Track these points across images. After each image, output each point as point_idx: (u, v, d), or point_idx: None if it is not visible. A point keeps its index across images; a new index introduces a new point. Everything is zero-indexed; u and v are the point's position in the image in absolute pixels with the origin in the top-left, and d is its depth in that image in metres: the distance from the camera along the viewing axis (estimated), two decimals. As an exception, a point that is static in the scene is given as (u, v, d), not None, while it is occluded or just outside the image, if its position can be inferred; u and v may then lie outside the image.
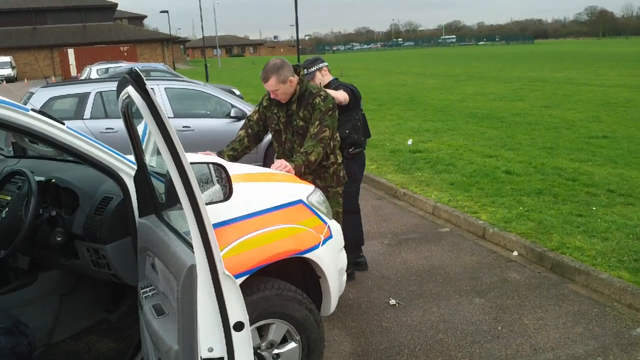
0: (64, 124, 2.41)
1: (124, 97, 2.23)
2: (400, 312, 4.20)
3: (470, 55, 62.42)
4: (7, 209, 2.94)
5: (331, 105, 3.92)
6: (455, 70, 34.92)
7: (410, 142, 10.30)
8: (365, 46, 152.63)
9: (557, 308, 4.16)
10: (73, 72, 43.03)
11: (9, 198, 3.05)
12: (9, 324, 2.62)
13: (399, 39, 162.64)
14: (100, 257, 2.75)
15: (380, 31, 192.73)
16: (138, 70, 1.84)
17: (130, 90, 1.87)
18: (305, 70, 4.63)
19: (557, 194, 6.56)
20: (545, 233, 5.35)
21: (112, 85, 8.08)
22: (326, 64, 4.86)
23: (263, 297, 2.73)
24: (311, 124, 3.90)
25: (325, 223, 3.22)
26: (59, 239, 2.80)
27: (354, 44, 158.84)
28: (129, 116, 2.51)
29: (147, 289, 2.46)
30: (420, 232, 5.98)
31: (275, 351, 2.90)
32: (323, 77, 4.75)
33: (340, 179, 4.24)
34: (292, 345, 2.92)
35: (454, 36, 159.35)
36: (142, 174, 2.54)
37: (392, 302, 4.34)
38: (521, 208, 6.11)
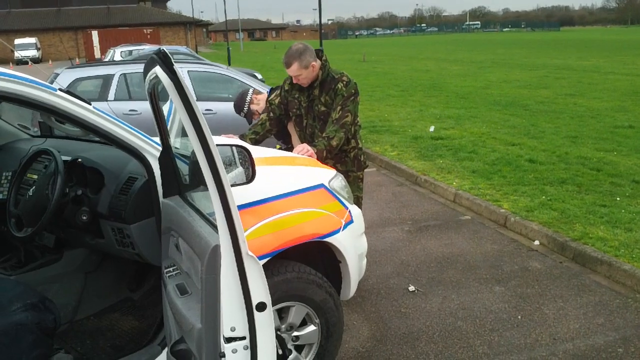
0: (90, 104, 2.44)
1: (151, 78, 2.24)
2: (419, 298, 4.20)
3: (494, 41, 61.58)
4: (34, 188, 2.98)
5: (353, 91, 3.91)
6: (479, 56, 34.51)
7: (432, 128, 10.23)
8: (388, 31, 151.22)
9: (578, 298, 4.13)
10: (97, 54, 43.38)
11: (35, 177, 3.10)
12: (35, 299, 2.66)
13: (422, 25, 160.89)
14: (124, 236, 2.79)
15: (404, 16, 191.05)
16: (166, 50, 1.85)
17: (157, 70, 1.88)
18: None
19: (581, 184, 6.48)
20: (568, 223, 5.30)
21: (136, 68, 8.15)
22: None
23: (283, 280, 2.75)
24: (333, 109, 3.90)
25: (346, 208, 3.23)
26: (84, 218, 2.84)
27: (377, 29, 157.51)
28: (155, 97, 2.52)
29: (171, 269, 2.49)
30: (441, 220, 5.96)
31: (295, 333, 2.92)
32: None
33: (361, 164, 4.23)
34: (311, 328, 2.95)
35: (479, 22, 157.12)
36: (167, 155, 2.56)
37: (412, 288, 4.35)
38: (544, 197, 6.06)
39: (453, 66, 27.07)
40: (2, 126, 3.97)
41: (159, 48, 1.90)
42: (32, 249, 3.41)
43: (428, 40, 80.00)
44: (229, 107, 8.02)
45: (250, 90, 4.68)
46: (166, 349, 2.71)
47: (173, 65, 1.80)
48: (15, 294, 2.69)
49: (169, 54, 1.84)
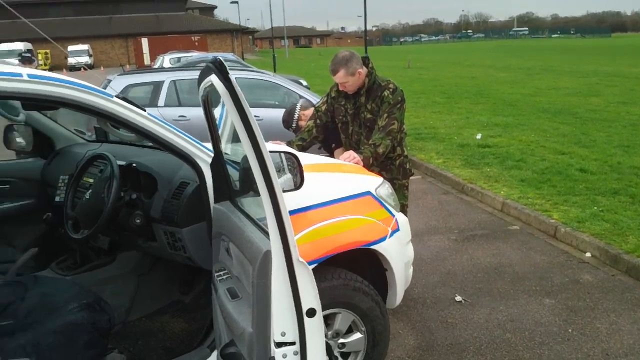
0: (145, 110, 2.50)
1: (205, 86, 2.29)
2: (466, 309, 4.14)
3: (543, 48, 60.38)
4: (90, 191, 3.07)
5: (400, 98, 3.90)
6: (527, 63, 33.87)
7: (479, 136, 10.10)
8: (434, 38, 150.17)
9: (631, 313, 4.00)
10: (146, 60, 44.40)
11: (91, 180, 3.20)
12: (90, 300, 2.74)
13: (468, 31, 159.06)
14: (176, 240, 2.85)
15: (449, 22, 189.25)
16: (222, 59, 1.89)
17: (213, 78, 1.92)
18: None
19: (634, 195, 6.28)
20: (621, 235, 5.14)
21: (185, 75, 8.33)
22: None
23: (330, 287, 2.75)
24: (379, 116, 3.90)
25: (393, 215, 3.21)
26: (138, 221, 2.91)
27: (422, 35, 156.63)
28: (209, 104, 2.57)
29: (221, 273, 2.52)
30: (488, 229, 5.86)
31: (341, 340, 2.92)
32: None
33: (407, 172, 4.22)
34: (357, 335, 2.94)
35: (526, 28, 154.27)
36: (219, 161, 2.61)
37: (458, 298, 4.29)
38: (595, 208, 5.90)
39: (500, 73, 26.64)
40: (59, 131, 4.11)
41: (215, 57, 1.95)
42: (87, 251, 3.51)
43: (474, 46, 79.03)
44: (275, 113, 8.11)
45: (298, 107, 4.71)
46: (216, 352, 2.75)
47: (228, 73, 1.84)
48: (71, 294, 2.78)
49: (224, 63, 1.88)
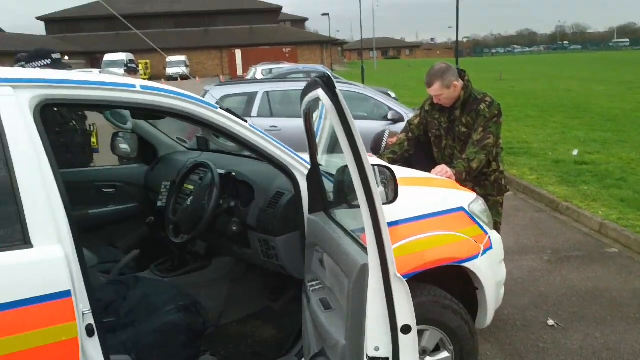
0: (246, 121, 2.60)
1: (310, 99, 2.35)
2: (559, 333, 3.98)
3: (646, 60, 57.10)
4: (191, 198, 3.22)
5: (496, 112, 3.83)
6: (627, 76, 32.11)
7: (575, 152, 9.69)
8: (527, 49, 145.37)
9: None
10: (239, 71, 45.78)
11: (192, 187, 3.35)
12: (186, 302, 2.88)
13: (564, 42, 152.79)
14: (270, 248, 2.92)
15: (544, 33, 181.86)
16: (330, 74, 1.95)
17: (319, 92, 1.97)
18: None
19: None
20: None
21: (278, 86, 8.59)
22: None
23: (419, 303, 2.70)
24: (474, 130, 3.84)
25: (486, 233, 3.15)
26: (234, 228, 3.02)
27: (515, 46, 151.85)
28: (310, 118, 2.64)
29: (314, 283, 2.57)
30: (584, 251, 5.60)
31: (428, 358, 2.88)
32: None
33: (502, 188, 4.12)
34: (444, 354, 2.89)
35: (627, 39, 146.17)
36: (315, 173, 2.66)
37: (551, 322, 4.13)
38: None
39: (598, 86, 25.43)
40: (162, 139, 4.34)
41: (324, 72, 2.00)
42: (185, 255, 3.67)
43: (571, 58, 75.89)
44: (364, 125, 8.14)
45: (386, 134, 4.71)
46: (304, 360, 2.80)
47: (336, 88, 1.89)
48: (169, 295, 2.92)
49: (332, 78, 1.94)
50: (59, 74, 2.25)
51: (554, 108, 16.80)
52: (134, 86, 2.29)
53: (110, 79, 2.32)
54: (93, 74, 2.49)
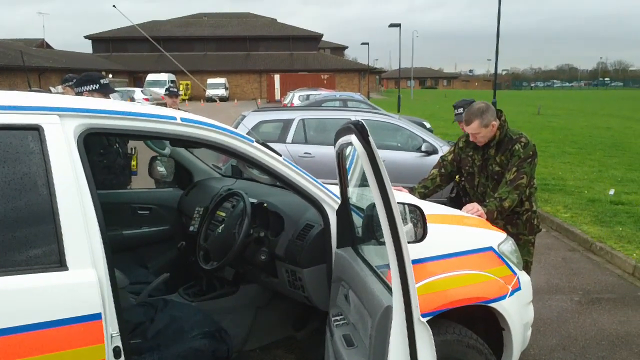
0: (280, 155, 2.67)
1: (342, 142, 2.41)
2: (587, 378, 3.89)
3: (691, 99, 55.84)
4: (223, 226, 3.29)
5: (531, 152, 3.82)
6: (671, 115, 31.48)
7: (612, 192, 9.51)
8: (567, 84, 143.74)
9: None
10: (277, 96, 46.42)
11: (224, 214, 3.42)
12: (212, 329, 2.92)
13: (605, 79, 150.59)
14: (296, 279, 2.96)
15: (585, 69, 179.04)
16: (363, 122, 2.01)
17: (353, 138, 2.03)
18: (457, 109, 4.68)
19: None
20: None
21: (314, 114, 8.75)
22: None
23: (443, 341, 2.71)
24: (508, 169, 3.84)
25: (515, 274, 3.13)
26: (263, 257, 3.07)
27: (555, 81, 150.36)
28: (343, 158, 2.69)
29: (338, 318, 2.59)
30: (617, 293, 5.48)
31: (450, 399, 2.86)
32: None
33: (534, 227, 4.09)
34: (468, 394, 2.86)
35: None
36: (345, 209, 2.70)
37: (579, 366, 4.05)
38: None
39: (639, 125, 24.95)
40: (198, 165, 4.44)
41: (358, 120, 2.07)
42: (213, 280, 3.73)
43: (611, 95, 74.73)
44: (397, 156, 8.19)
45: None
46: (325, 393, 2.80)
47: (368, 136, 1.95)
48: (195, 320, 2.97)
49: (365, 126, 2.00)
50: (104, 104, 2.35)
51: (592, 145, 16.54)
52: (174, 118, 2.39)
53: (152, 111, 2.42)
54: (136, 105, 2.59)
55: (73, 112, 2.16)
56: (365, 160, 1.95)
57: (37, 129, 2.06)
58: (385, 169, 1.95)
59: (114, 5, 3.33)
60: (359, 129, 1.98)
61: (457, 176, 4.35)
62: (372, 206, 2.43)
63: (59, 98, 2.33)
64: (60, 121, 2.11)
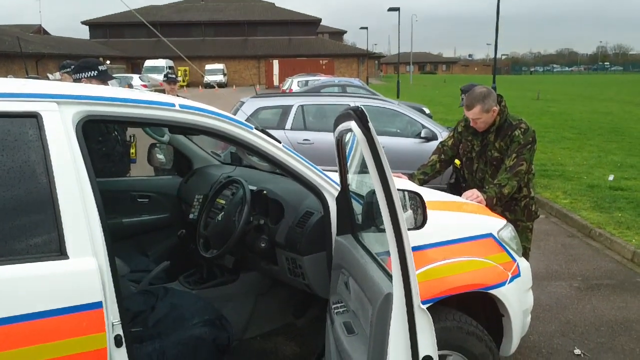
0: (279, 142, 2.66)
1: (342, 129, 2.40)
2: (586, 363, 3.91)
3: (691, 84, 55.70)
4: (222, 213, 3.29)
5: (530, 139, 3.81)
6: (671, 100, 31.43)
7: (611, 177, 9.51)
8: (567, 68, 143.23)
9: None
10: (275, 81, 46.26)
11: (223, 202, 3.42)
12: (212, 316, 2.92)
13: (605, 63, 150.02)
14: (296, 266, 2.96)
15: (585, 53, 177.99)
16: (363, 108, 2.00)
17: (352, 125, 2.02)
18: None
19: None
20: None
21: (313, 100, 8.67)
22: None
23: (443, 328, 2.72)
24: (507, 156, 3.83)
25: (514, 260, 3.13)
26: (263, 245, 3.07)
27: (554, 65, 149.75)
28: (342, 145, 2.68)
29: (338, 305, 2.60)
30: (616, 279, 5.50)
31: (450, 385, 2.87)
32: None
33: (532, 214, 4.09)
34: (467, 380, 2.88)
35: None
36: (345, 196, 2.70)
37: (577, 351, 4.06)
38: None
39: (639, 109, 24.92)
40: (197, 152, 4.43)
41: (357, 106, 2.05)
42: (213, 268, 3.74)
43: (611, 79, 74.53)
44: (396, 142, 8.17)
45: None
46: (325, 380, 2.81)
47: (368, 122, 1.94)
48: (196, 308, 2.97)
49: (365, 112, 1.99)
50: (102, 91, 2.34)
51: (592, 130, 16.53)
52: (173, 105, 2.37)
53: (151, 98, 2.40)
54: (135, 92, 2.57)
55: (71, 99, 2.15)
56: (365, 146, 1.94)
57: (35, 117, 2.04)
58: (385, 155, 1.95)
59: (111, -10, 3.31)
60: (359, 115, 1.97)
61: (457, 161, 4.34)
62: (372, 193, 2.43)
63: (57, 85, 2.31)
64: (58, 108, 2.09)
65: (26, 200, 1.98)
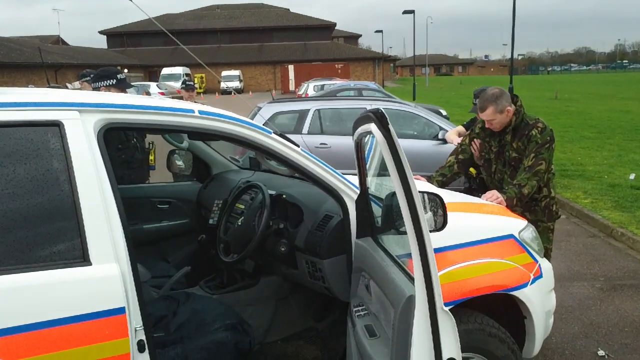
0: (298, 146, 2.67)
1: (361, 131, 2.40)
2: (610, 365, 3.86)
3: None
4: (242, 218, 3.30)
5: (549, 138, 3.78)
6: (692, 97, 30.93)
7: (632, 176, 9.39)
8: (585, 67, 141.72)
9: None
10: (291, 86, 46.36)
11: (243, 207, 3.43)
12: (234, 321, 2.93)
13: (624, 61, 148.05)
14: (316, 270, 2.96)
15: (603, 52, 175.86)
16: (382, 110, 2.00)
17: (372, 127, 2.02)
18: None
19: None
20: None
21: (329, 104, 8.70)
22: None
23: (465, 330, 2.70)
24: (525, 156, 3.80)
25: (536, 261, 3.11)
26: (282, 249, 3.08)
27: (572, 64, 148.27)
28: (361, 147, 2.68)
29: (359, 308, 2.59)
30: (639, 279, 5.42)
31: (473, 387, 2.85)
32: None
33: (552, 214, 4.05)
34: (490, 383, 2.85)
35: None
36: (364, 199, 2.70)
37: (601, 353, 4.01)
38: None
39: (660, 108, 24.57)
40: (216, 158, 4.45)
41: (377, 108, 2.05)
42: (233, 272, 3.75)
43: (630, 78, 73.53)
44: (413, 144, 8.14)
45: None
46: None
47: (388, 124, 1.94)
48: (217, 313, 2.99)
49: (385, 114, 1.99)
50: (122, 99, 2.36)
51: (611, 130, 16.31)
52: (192, 111, 2.40)
53: (170, 104, 2.42)
54: (154, 99, 2.60)
55: (93, 107, 2.18)
56: (385, 148, 1.94)
57: (57, 125, 2.07)
58: (405, 157, 1.94)
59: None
60: (379, 118, 1.97)
61: (472, 169, 4.31)
62: (392, 195, 2.42)
63: (78, 94, 2.34)
64: (80, 117, 2.12)
65: (50, 208, 2.00)
